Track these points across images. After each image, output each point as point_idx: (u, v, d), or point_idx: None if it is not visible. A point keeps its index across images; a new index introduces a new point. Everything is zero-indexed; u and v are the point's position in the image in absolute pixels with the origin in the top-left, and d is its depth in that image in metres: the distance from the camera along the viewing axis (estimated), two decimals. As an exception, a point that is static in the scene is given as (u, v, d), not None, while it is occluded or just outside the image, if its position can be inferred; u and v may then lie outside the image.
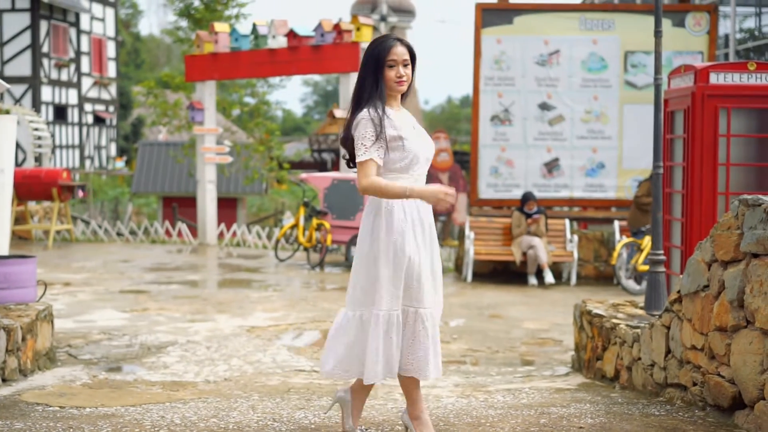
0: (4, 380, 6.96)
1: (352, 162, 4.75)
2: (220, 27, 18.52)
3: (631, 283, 13.39)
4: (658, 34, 7.93)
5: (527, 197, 14.28)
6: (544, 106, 15.20)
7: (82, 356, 8.52)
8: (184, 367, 8.10)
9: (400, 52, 4.62)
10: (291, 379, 7.68)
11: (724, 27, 24.35)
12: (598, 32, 15.17)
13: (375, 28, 18.99)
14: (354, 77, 16.95)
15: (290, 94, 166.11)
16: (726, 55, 23.73)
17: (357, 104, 4.64)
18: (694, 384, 5.52)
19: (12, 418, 5.46)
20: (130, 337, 9.48)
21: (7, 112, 12.07)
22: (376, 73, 4.62)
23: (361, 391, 4.85)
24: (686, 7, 15.57)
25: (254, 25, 17.94)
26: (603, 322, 7.47)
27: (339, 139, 4.96)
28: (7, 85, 7.73)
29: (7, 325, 7.00)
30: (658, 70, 7.94)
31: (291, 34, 17.37)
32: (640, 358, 6.52)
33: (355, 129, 4.57)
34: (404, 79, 4.63)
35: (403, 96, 4.76)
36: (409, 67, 4.66)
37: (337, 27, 16.80)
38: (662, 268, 7.78)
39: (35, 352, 7.67)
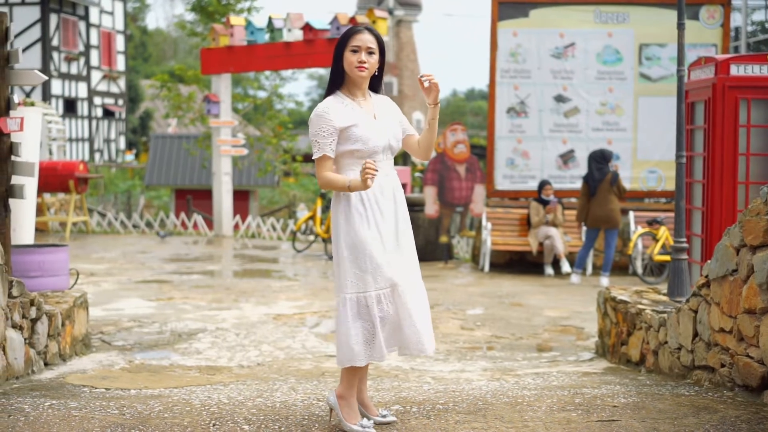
0: (46, 364, 7.16)
1: None
2: (236, 20, 18.68)
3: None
4: (681, 26, 8.10)
5: (544, 182, 14.46)
6: (560, 99, 15.35)
7: (115, 342, 8.71)
8: (217, 353, 8.29)
9: (365, 38, 4.61)
10: (323, 363, 7.86)
11: (734, 20, 24.49)
12: (612, 25, 15.32)
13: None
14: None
15: (296, 87, 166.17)
16: (737, 48, 23.86)
17: (326, 95, 4.71)
18: (722, 365, 5.68)
19: (64, 398, 5.64)
20: (159, 324, 9.67)
21: (32, 104, 12.23)
22: (337, 61, 4.65)
23: (352, 380, 4.70)
24: (700, 0, 15.69)
25: (270, 19, 18.10)
26: (628, 308, 7.64)
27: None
28: (45, 77, 7.89)
29: (48, 311, 7.19)
30: (681, 61, 8.11)
31: (307, 27, 17.51)
32: (666, 342, 6.69)
33: (310, 125, 4.62)
34: (365, 65, 4.60)
35: (376, 87, 4.78)
36: (375, 56, 4.63)
37: (353, 20, 16.94)
38: (685, 256, 7.95)
39: (73, 338, 7.87)
